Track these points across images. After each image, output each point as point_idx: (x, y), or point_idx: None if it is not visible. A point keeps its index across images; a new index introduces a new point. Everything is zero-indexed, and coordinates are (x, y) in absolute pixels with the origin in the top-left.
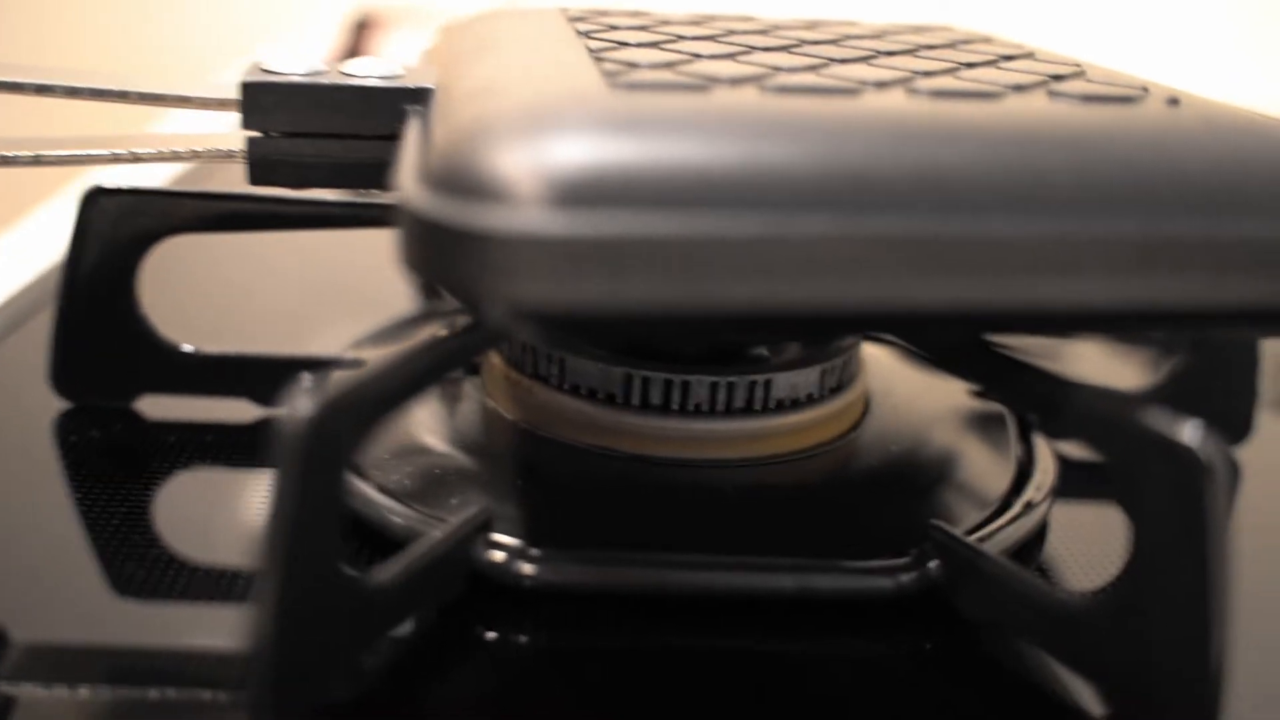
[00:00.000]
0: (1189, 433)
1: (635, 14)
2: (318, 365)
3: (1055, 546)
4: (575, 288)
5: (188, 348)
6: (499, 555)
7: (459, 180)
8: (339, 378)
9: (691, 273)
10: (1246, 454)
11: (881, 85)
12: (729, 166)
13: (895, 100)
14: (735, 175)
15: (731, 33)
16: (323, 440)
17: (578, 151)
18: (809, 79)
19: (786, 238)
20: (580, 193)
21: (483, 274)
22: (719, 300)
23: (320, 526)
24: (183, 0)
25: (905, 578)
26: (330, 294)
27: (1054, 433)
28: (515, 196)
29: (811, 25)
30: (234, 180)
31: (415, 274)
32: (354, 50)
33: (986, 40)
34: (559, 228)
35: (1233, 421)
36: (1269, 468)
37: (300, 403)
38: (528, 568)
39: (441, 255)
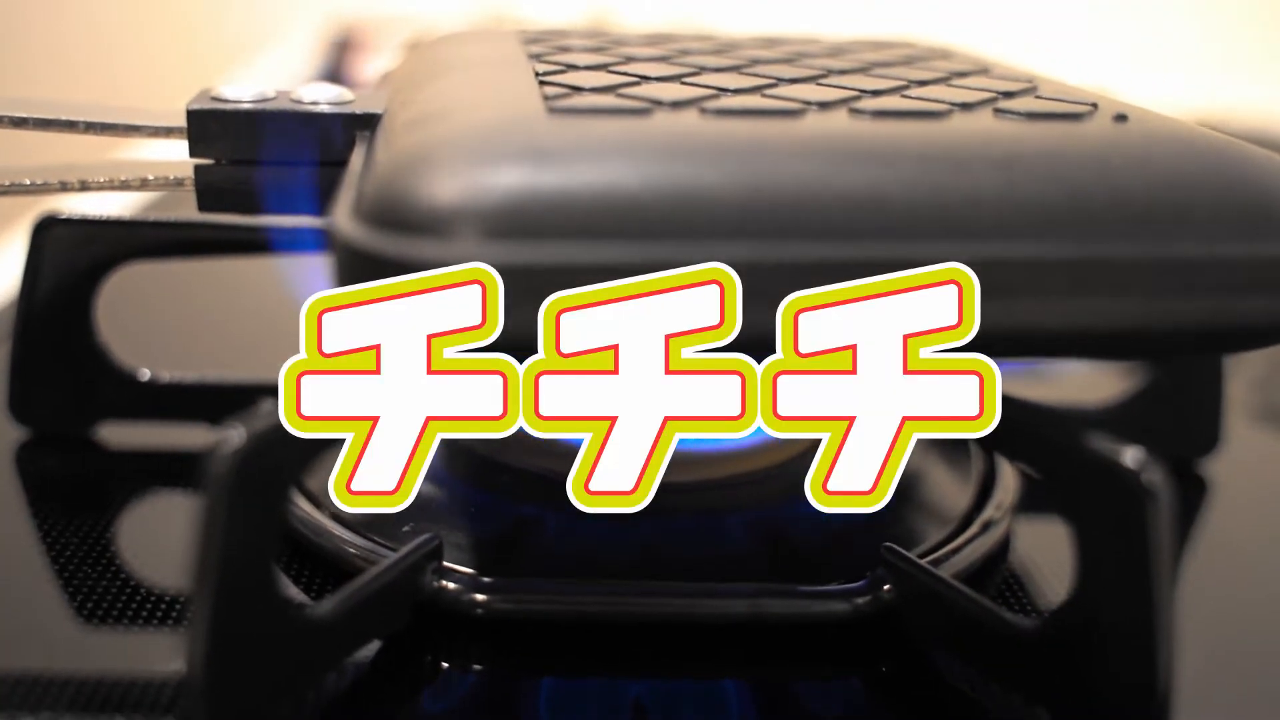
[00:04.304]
0: (1131, 457)
1: (592, 35)
2: (277, 390)
3: (1020, 562)
4: (506, 319)
5: (146, 374)
6: (450, 584)
7: (391, 213)
8: (274, 411)
9: None
10: (1221, 465)
11: (825, 106)
12: (660, 195)
13: (836, 122)
14: (666, 203)
15: (685, 53)
16: (254, 474)
17: (508, 182)
18: (753, 101)
19: None
20: (509, 223)
21: None
22: None
23: (252, 558)
24: (161, 23)
25: (860, 601)
26: (289, 318)
27: (1002, 453)
28: (446, 229)
29: (769, 43)
30: (193, 206)
31: None
32: (336, 71)
33: (944, 55)
34: (489, 259)
35: (1200, 433)
36: (1243, 478)
37: (232, 435)
38: (480, 597)
39: None
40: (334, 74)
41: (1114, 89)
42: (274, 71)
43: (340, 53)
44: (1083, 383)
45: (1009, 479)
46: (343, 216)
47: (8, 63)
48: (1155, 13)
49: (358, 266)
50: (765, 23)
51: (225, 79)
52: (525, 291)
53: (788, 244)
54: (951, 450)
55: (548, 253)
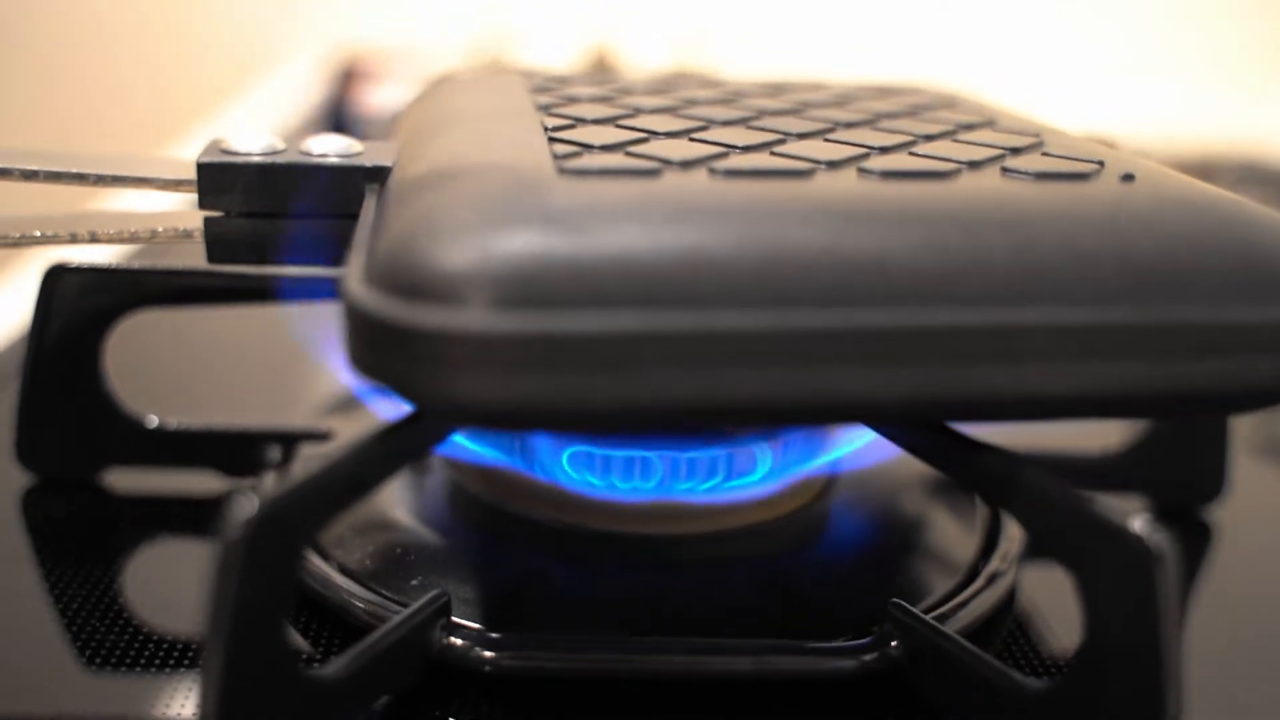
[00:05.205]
0: (1138, 522)
1: (599, 82)
2: (283, 437)
3: (1026, 613)
4: (516, 386)
5: (153, 421)
6: (458, 641)
7: (402, 279)
8: (284, 478)
9: (633, 370)
10: (1224, 506)
11: (834, 165)
12: (671, 263)
13: (845, 184)
14: (677, 272)
15: (692, 103)
16: (266, 541)
17: (518, 248)
18: (762, 160)
19: (727, 334)
20: (520, 292)
21: (427, 375)
22: (663, 397)
23: (264, 621)
24: (166, 50)
25: (868, 658)
26: (296, 367)
27: (1007, 512)
28: (456, 296)
29: (775, 91)
30: (195, 255)
31: (361, 372)
32: (340, 102)
33: (950, 104)
34: (500, 327)
35: (1205, 481)
36: (1247, 519)
37: (245, 501)
38: (487, 653)
39: (386, 355)
40: (338, 104)
41: (1116, 117)
42: (279, 101)
43: (345, 83)
44: (1087, 430)
45: (1014, 529)
46: (354, 280)
47: (10, 78)
48: (1157, 36)
49: (369, 332)
50: (766, 48)
51: (230, 107)
52: (535, 361)
53: (799, 311)
54: (956, 499)
55: (558, 321)
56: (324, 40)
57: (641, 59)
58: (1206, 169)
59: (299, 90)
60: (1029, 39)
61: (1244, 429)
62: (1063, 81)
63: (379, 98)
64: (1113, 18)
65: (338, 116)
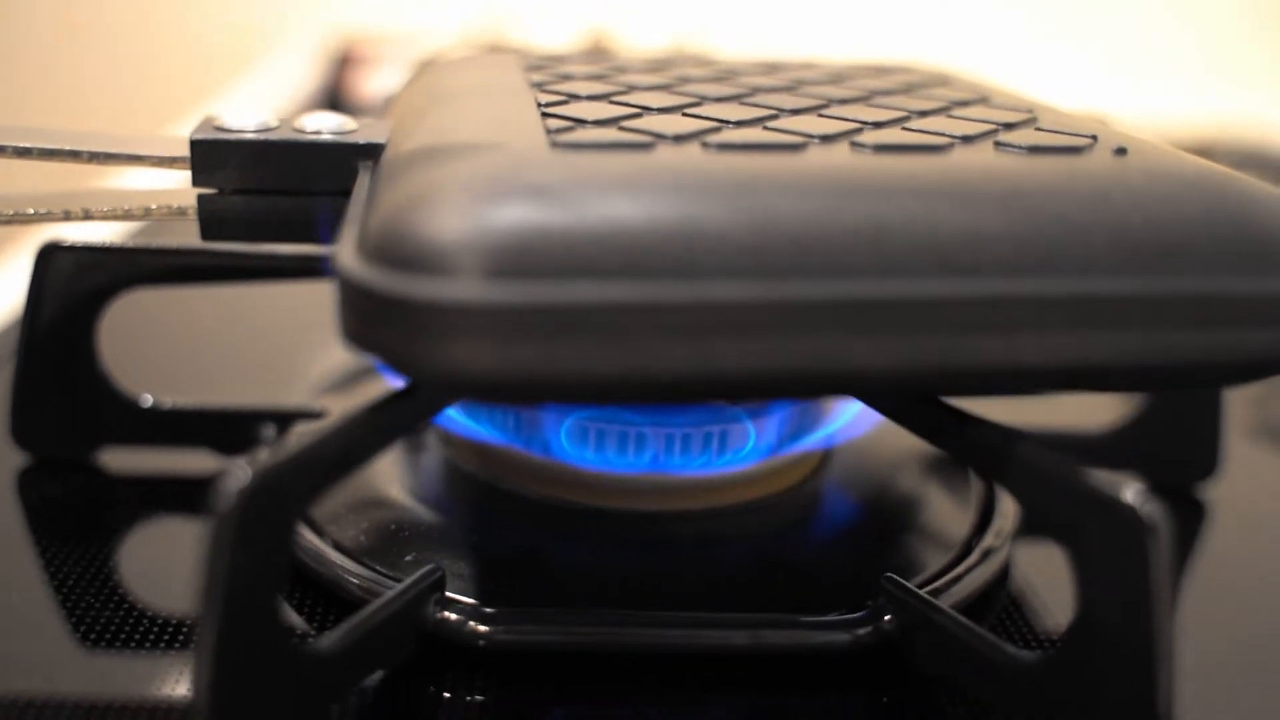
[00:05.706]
0: (1131, 492)
1: (593, 61)
2: (277, 416)
3: (1020, 588)
4: (509, 357)
5: (148, 400)
6: (452, 615)
7: (395, 251)
8: (278, 449)
9: (626, 341)
10: (1218, 486)
11: (827, 139)
12: (664, 234)
13: (838, 157)
14: (670, 243)
15: (686, 80)
16: (259, 511)
17: (510, 220)
18: (755, 134)
19: (721, 305)
20: (513, 263)
21: (420, 346)
22: (656, 368)
23: (257, 593)
24: (162, 34)
25: (861, 632)
26: (288, 344)
27: (1002, 486)
28: (448, 267)
29: (770, 69)
30: (189, 233)
31: (354, 345)
32: (336, 86)
33: (943, 82)
34: (492, 298)
35: (1199, 458)
36: (1241, 499)
37: (237, 471)
38: (481, 628)
39: (380, 327)
40: (334, 89)
41: (1113, 107)
42: (274, 86)
43: (341, 68)
44: (1082, 407)
45: (1009, 504)
46: (347, 253)
47: (7, 62)
48: (1154, 25)
49: (362, 304)
50: (763, 34)
51: (226, 91)
52: (527, 332)
53: (792, 282)
54: (951, 475)
55: (551, 292)
56: (320, 25)
57: (638, 49)
58: (1205, 155)
59: (295, 75)
60: (1028, 27)
61: (1238, 410)
62: (1062, 69)
63: (375, 83)
64: (1112, 5)
65: (333, 101)
